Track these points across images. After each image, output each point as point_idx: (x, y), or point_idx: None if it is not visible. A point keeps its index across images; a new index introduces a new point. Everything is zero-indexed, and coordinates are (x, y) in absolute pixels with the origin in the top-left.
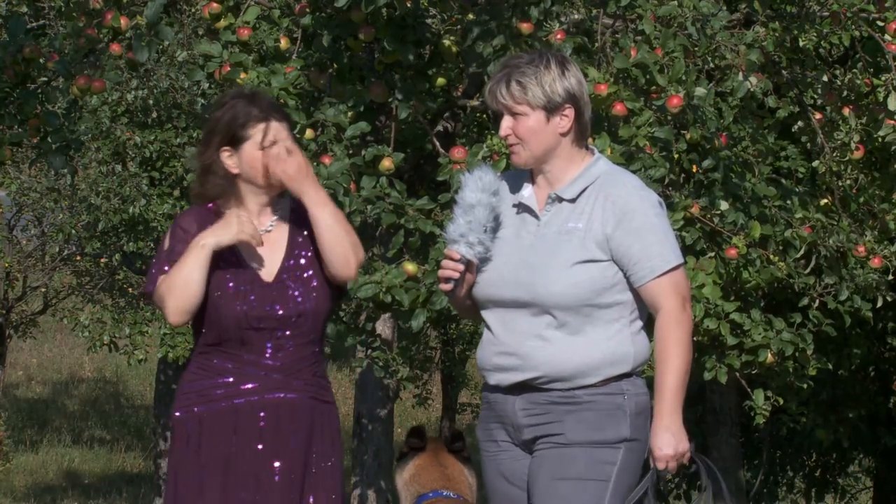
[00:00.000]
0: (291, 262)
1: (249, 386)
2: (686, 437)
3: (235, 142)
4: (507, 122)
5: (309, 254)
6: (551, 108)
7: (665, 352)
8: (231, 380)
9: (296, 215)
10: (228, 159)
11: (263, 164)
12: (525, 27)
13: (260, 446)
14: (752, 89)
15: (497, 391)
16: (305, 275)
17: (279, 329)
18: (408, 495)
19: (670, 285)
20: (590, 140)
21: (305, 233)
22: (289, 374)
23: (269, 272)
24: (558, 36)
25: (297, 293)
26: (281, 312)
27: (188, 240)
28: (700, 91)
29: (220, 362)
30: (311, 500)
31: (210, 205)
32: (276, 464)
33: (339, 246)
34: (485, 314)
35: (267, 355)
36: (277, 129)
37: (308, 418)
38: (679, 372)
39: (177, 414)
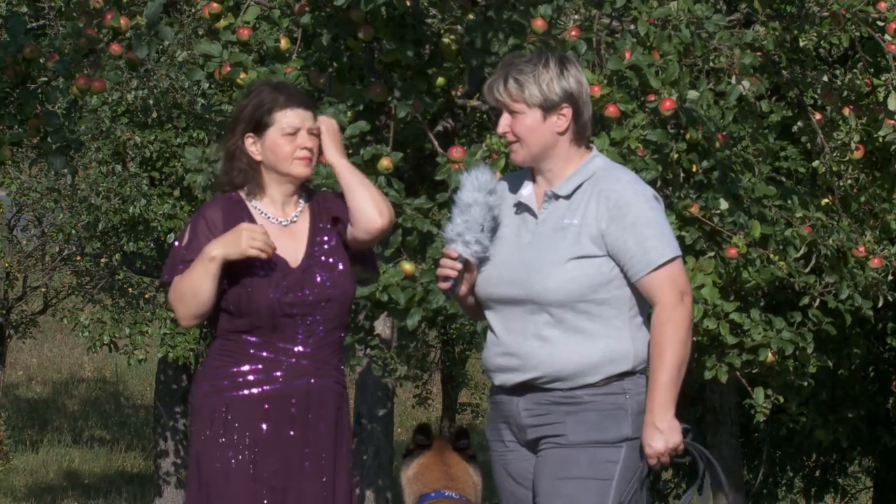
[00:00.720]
0: (315, 248)
1: (279, 373)
2: (678, 431)
3: (260, 128)
4: (505, 120)
5: (333, 240)
6: (548, 107)
7: (658, 346)
8: (261, 366)
9: (317, 204)
10: (252, 146)
11: (286, 152)
12: (538, 25)
13: (292, 432)
14: (744, 93)
15: (502, 392)
16: (330, 260)
17: (310, 314)
18: (411, 493)
19: (666, 279)
20: None
21: (327, 219)
22: (317, 359)
23: (294, 259)
24: (573, 33)
25: (323, 278)
26: (311, 298)
27: (211, 234)
28: (692, 94)
29: (250, 349)
30: (339, 484)
31: (234, 194)
32: (307, 450)
33: (367, 191)
34: (487, 314)
35: (298, 340)
36: (303, 116)
37: (335, 404)
38: (671, 367)
39: (201, 401)
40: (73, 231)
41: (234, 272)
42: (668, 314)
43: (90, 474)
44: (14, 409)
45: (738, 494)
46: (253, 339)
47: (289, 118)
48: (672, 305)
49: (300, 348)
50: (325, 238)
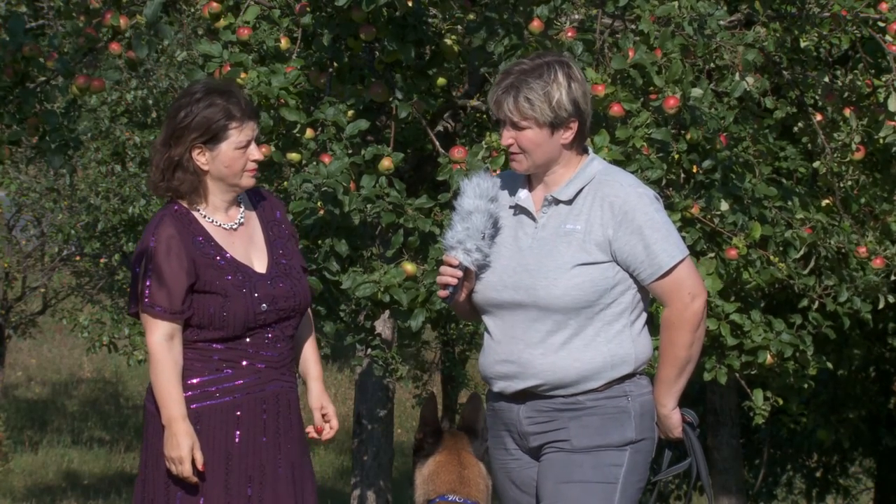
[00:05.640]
0: (276, 258)
1: (248, 380)
2: (676, 424)
3: (212, 141)
4: (510, 132)
5: (288, 250)
6: (557, 124)
7: (664, 346)
8: (230, 372)
9: (262, 211)
10: (200, 156)
11: (240, 166)
12: (535, 26)
13: (264, 439)
14: (748, 89)
15: (501, 399)
16: (293, 271)
17: (276, 322)
18: (422, 493)
19: (676, 282)
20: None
21: (277, 229)
22: (281, 365)
23: (251, 262)
24: (569, 34)
25: (287, 287)
26: (280, 306)
27: (174, 258)
28: (696, 92)
29: (218, 357)
30: (306, 488)
31: (176, 206)
32: (279, 455)
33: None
34: (486, 319)
35: (267, 346)
36: (253, 127)
37: (297, 407)
38: (672, 365)
39: None
40: (73, 231)
41: (203, 287)
42: (677, 316)
43: (90, 475)
44: (13, 410)
45: (739, 494)
46: (221, 346)
47: (244, 133)
48: (682, 308)
49: (268, 353)
50: (280, 246)
